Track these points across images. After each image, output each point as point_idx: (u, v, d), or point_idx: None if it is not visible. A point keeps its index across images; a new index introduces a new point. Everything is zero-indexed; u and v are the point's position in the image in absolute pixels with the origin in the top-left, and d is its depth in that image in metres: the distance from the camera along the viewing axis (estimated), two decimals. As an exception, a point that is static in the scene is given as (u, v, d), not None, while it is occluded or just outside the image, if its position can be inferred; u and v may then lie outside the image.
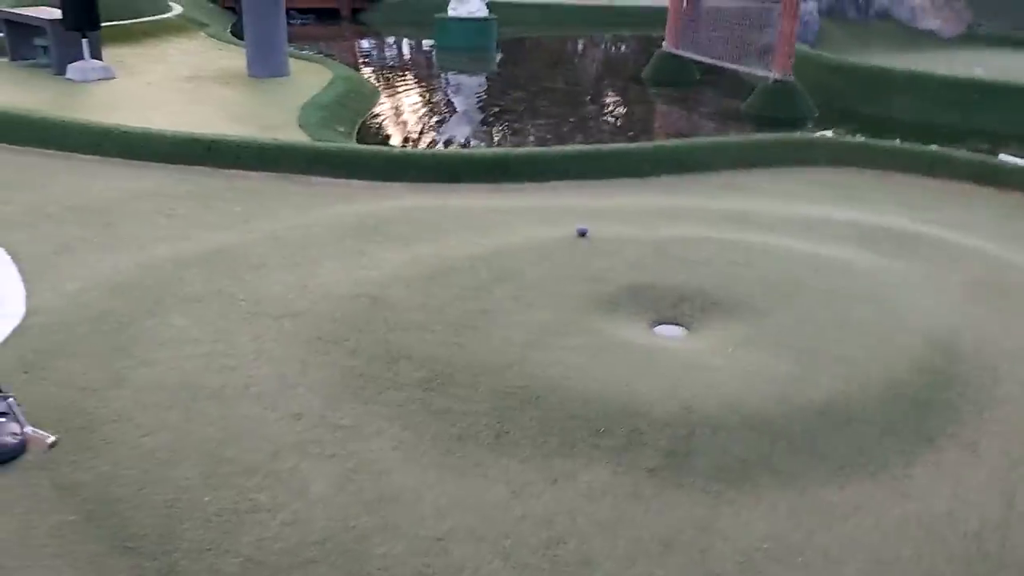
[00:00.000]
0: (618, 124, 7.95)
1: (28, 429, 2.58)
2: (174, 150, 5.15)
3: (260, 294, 3.23)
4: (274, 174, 5.07)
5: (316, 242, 3.81)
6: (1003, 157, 8.29)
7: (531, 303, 3.03)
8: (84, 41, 7.34)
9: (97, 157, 5.21)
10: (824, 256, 3.53)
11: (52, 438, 2.54)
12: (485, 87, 9.91)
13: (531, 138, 7.22)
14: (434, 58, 11.69)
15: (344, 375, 2.62)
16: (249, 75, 8.08)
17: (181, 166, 5.10)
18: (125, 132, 5.27)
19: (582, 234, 3.79)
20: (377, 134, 7.26)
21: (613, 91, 10.11)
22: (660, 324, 3.02)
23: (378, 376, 2.59)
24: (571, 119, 7.99)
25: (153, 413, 2.46)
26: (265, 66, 8.06)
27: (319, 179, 5.03)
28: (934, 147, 5.68)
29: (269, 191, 4.79)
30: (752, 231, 3.93)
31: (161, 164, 5.14)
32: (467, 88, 9.76)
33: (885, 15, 11.56)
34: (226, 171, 5.09)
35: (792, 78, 7.80)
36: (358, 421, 2.40)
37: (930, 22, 11.51)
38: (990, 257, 3.73)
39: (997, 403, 2.55)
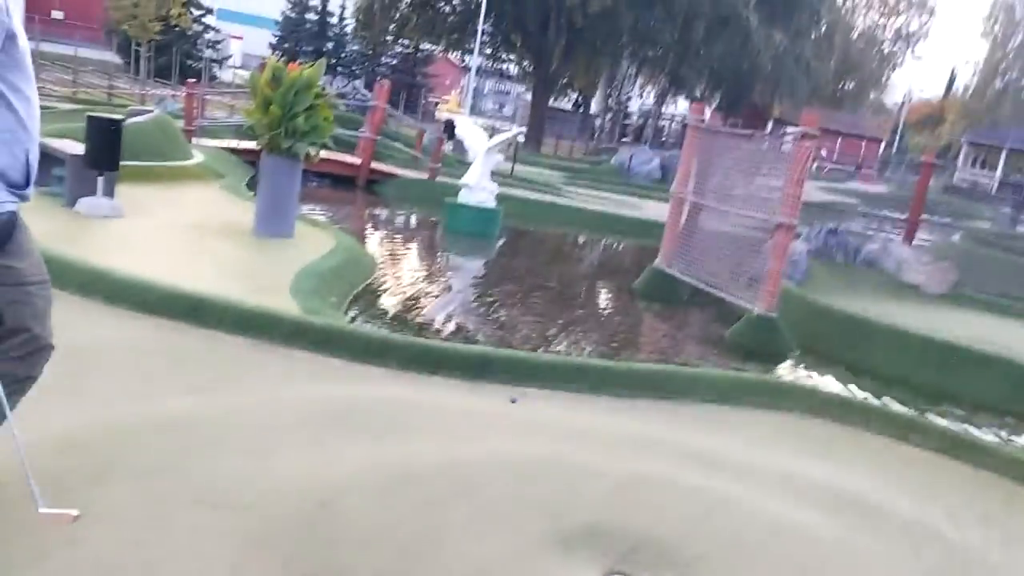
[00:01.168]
0: (603, 334, 8.07)
1: (44, 511, 2.54)
2: (160, 303, 5.18)
3: (208, 478, 3.13)
4: (254, 341, 5.07)
5: (278, 425, 3.75)
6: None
7: (486, 530, 2.94)
8: (100, 179, 7.57)
9: (83, 299, 5.22)
10: (788, 520, 3.47)
11: (75, 512, 2.68)
12: (481, 275, 10.15)
13: (518, 336, 7.30)
14: (437, 238, 12.05)
15: (274, 588, 2.49)
16: (254, 232, 8.28)
17: (164, 320, 5.11)
18: (114, 278, 5.32)
19: (513, 401, 4.51)
20: (367, 308, 7.34)
21: (603, 298, 10.35)
22: (612, 574, 2.92)
23: (309, 595, 2.47)
24: (559, 320, 8.11)
25: (65, 602, 2.33)
26: (271, 226, 8.28)
27: (298, 353, 5.03)
28: (910, 413, 5.74)
29: (245, 359, 4.77)
30: (719, 477, 3.88)
31: (145, 315, 5.16)
32: (464, 273, 10.00)
33: (872, 263, 12.02)
34: (207, 332, 5.10)
35: (775, 314, 8.00)
36: (278, 646, 2.26)
37: (915, 276, 11.93)
38: (952, 544, 3.66)
39: None
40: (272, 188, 8.28)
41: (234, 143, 14.57)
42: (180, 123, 13.51)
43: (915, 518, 3.88)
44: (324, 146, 8.79)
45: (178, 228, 7.98)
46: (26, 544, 2.55)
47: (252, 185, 11.12)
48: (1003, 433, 6.73)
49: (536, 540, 2.94)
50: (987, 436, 6.40)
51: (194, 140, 13.66)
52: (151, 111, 12.08)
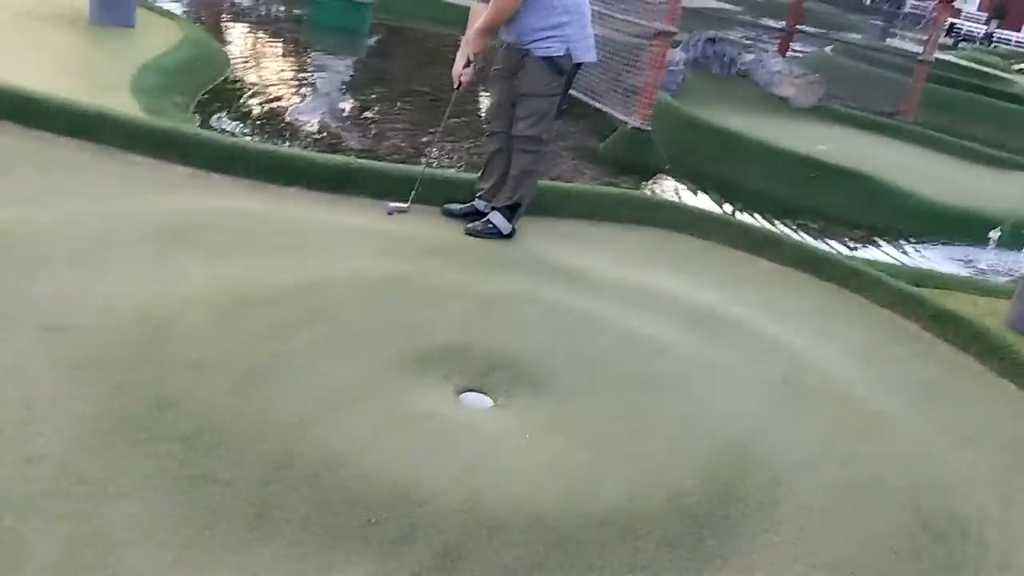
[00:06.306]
0: (477, 143, 7.83)
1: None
2: (-23, 101, 4.59)
3: (31, 297, 2.87)
4: (90, 144, 4.61)
5: (114, 239, 3.45)
6: (820, 147, 8.73)
7: (336, 354, 2.84)
8: None
9: None
10: (643, 335, 3.53)
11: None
12: (349, 76, 9.57)
13: (385, 144, 6.99)
14: (301, 33, 11.20)
15: (100, 416, 2.33)
16: (90, 21, 7.42)
17: (-15, 120, 4.55)
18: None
19: (390, 214, 4.53)
20: (219, 111, 6.82)
21: (479, 108, 9.99)
22: (467, 392, 2.90)
23: (139, 423, 2.33)
24: (431, 129, 7.78)
25: None
26: (109, 13, 7.43)
27: (140, 158, 4.61)
28: (766, 228, 5.89)
29: (79, 164, 4.35)
30: (580, 294, 3.89)
31: (-39, 116, 4.58)
32: (329, 73, 9.37)
33: (746, 75, 12.04)
34: (36, 133, 4.59)
35: (650, 128, 7.94)
36: (103, 476, 2.13)
37: (785, 89, 12.06)
38: (795, 353, 3.84)
39: (775, 524, 2.57)
40: (107, -33, 7.35)
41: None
42: None
43: (763, 330, 4.02)
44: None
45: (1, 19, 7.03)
46: None
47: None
48: (851, 245, 7.09)
49: (389, 363, 2.87)
50: (837, 248, 6.72)
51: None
52: None
